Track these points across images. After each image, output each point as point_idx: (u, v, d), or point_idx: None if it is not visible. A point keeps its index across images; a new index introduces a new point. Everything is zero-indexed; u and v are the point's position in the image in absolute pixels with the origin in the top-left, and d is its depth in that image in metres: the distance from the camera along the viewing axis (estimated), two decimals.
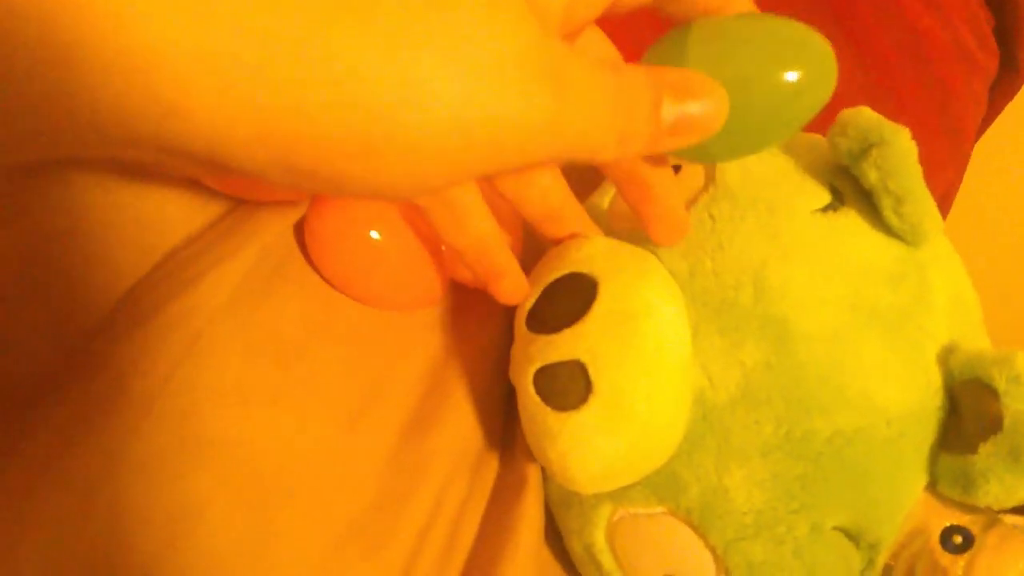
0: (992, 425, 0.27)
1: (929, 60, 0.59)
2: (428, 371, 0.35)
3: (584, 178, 0.36)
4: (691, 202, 0.31)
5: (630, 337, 0.27)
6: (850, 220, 0.30)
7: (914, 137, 0.62)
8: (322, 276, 0.33)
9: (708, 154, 0.27)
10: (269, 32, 0.16)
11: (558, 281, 0.29)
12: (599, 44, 0.28)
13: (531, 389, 0.28)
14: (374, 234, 0.32)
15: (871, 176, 0.29)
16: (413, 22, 0.17)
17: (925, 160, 0.67)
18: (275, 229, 0.32)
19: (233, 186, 0.32)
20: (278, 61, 0.16)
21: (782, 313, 0.28)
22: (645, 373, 0.27)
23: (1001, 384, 0.27)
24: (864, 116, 0.30)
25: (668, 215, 0.28)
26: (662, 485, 0.29)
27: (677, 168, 0.33)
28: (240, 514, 0.27)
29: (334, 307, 0.33)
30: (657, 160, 0.27)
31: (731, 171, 0.32)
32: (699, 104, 0.23)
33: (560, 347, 0.27)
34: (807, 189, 0.31)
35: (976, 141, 0.72)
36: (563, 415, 0.27)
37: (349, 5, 0.17)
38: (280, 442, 0.29)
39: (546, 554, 0.36)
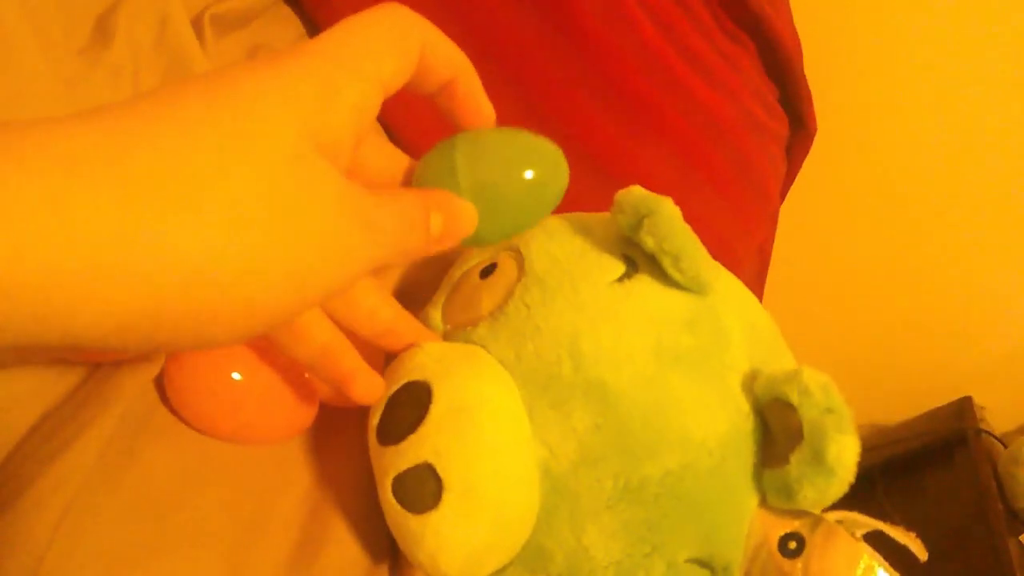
0: (797, 436, 0.31)
1: (726, 136, 0.67)
2: (307, 498, 0.36)
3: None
4: (508, 295, 0.35)
5: (469, 430, 0.29)
6: (644, 284, 0.34)
7: (727, 206, 0.70)
8: (188, 424, 0.34)
9: (481, 239, 0.32)
10: (121, 239, 0.18)
11: (397, 393, 0.31)
12: (383, 147, 0.33)
13: (391, 499, 0.30)
14: (235, 375, 0.33)
15: (648, 243, 0.33)
16: (237, 209, 0.20)
17: (738, 222, 0.73)
18: (135, 388, 0.33)
19: (87, 355, 0.33)
20: (132, 262, 0.18)
21: (599, 376, 0.31)
22: (490, 460, 0.29)
23: (795, 398, 0.31)
24: (634, 193, 0.34)
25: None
26: (531, 559, 0.31)
27: (492, 268, 0.37)
28: None
29: (205, 452, 0.34)
30: (396, 312, 0.32)
31: (538, 259, 0.35)
32: (455, 217, 0.29)
33: (407, 454, 0.29)
34: (603, 263, 0.35)
35: (783, 197, 0.81)
36: (422, 517, 0.29)
37: (182, 204, 0.19)
38: None
39: None
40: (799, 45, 0.76)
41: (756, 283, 0.77)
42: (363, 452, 0.38)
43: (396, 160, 0.32)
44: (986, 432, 1.09)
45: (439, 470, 0.29)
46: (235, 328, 0.21)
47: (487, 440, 0.29)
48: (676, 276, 0.33)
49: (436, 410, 0.29)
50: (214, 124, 0.21)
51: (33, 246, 0.16)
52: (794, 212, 0.84)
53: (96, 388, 0.32)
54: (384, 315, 0.33)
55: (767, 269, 0.78)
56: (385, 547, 0.38)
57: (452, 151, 0.31)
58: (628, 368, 0.32)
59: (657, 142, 0.63)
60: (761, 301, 0.79)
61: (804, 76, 0.76)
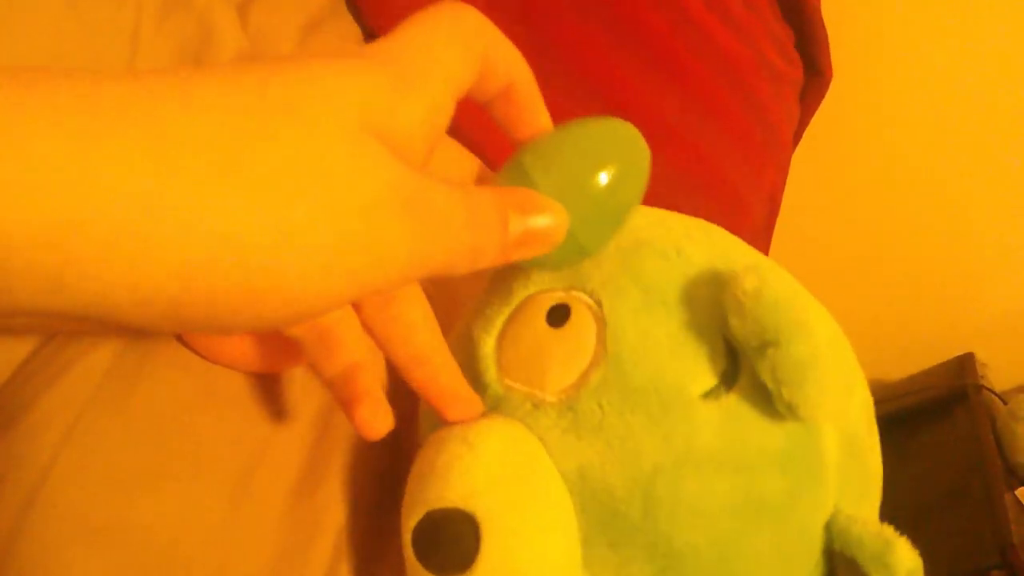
0: None
1: (742, 80, 0.64)
2: (313, 425, 0.36)
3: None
4: (582, 379, 0.29)
5: None
6: (740, 406, 0.29)
7: (737, 150, 0.63)
8: (193, 350, 0.32)
9: (583, 250, 0.29)
10: (148, 202, 0.16)
11: (440, 515, 0.27)
12: (452, 150, 0.31)
13: None
14: None
15: (767, 379, 0.27)
16: (281, 176, 0.18)
17: (749, 168, 0.72)
18: None
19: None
20: (158, 229, 0.17)
21: (671, 531, 0.28)
22: None
23: None
24: (764, 306, 0.27)
25: (455, 394, 0.30)
26: None
27: (563, 319, 0.30)
28: None
29: (209, 378, 0.33)
30: (437, 342, 0.30)
31: (624, 342, 0.29)
32: (541, 219, 0.26)
33: None
34: (700, 365, 0.29)
35: (796, 144, 0.79)
36: None
37: (220, 168, 0.17)
38: (169, 520, 0.30)
39: None
40: None
41: (765, 230, 0.75)
42: None
43: (467, 163, 0.31)
44: (986, 388, 1.08)
45: None
46: (258, 312, 0.19)
47: None
48: (785, 416, 0.28)
49: (483, 565, 0.26)
50: (266, 88, 0.19)
51: (52, 196, 0.15)
52: (804, 159, 0.81)
53: None
54: (422, 339, 0.29)
55: (776, 216, 0.76)
56: (388, 479, 0.38)
57: (521, 163, 0.28)
58: (705, 525, 0.28)
59: (670, 83, 0.60)
60: (768, 250, 0.75)
61: (822, 20, 0.72)
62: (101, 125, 0.16)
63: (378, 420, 0.29)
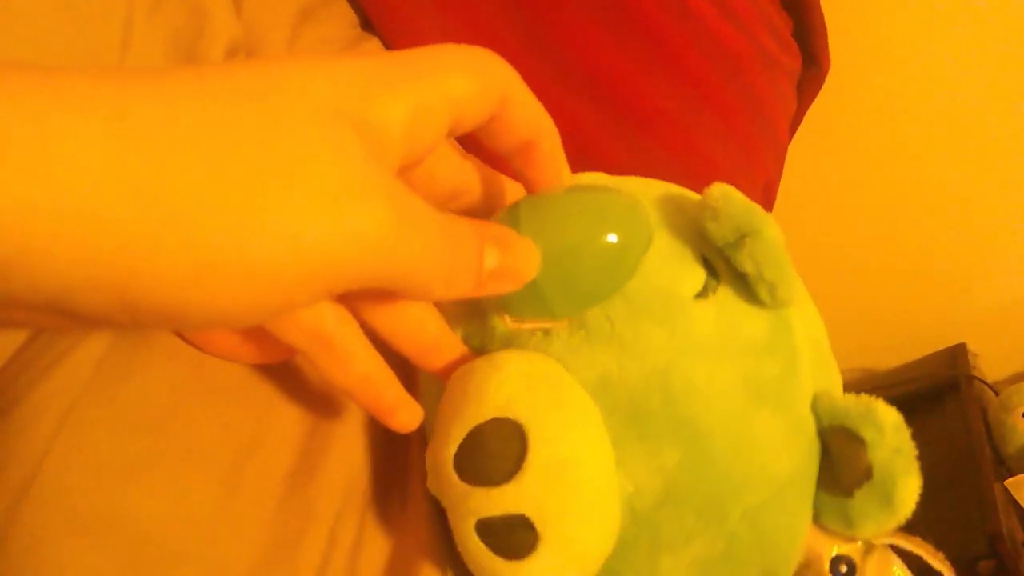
0: (863, 470, 0.32)
1: (738, 70, 0.64)
2: (307, 414, 0.36)
3: None
4: None
5: (570, 487, 0.28)
6: (727, 301, 0.32)
7: (732, 140, 0.66)
8: (186, 340, 0.32)
9: (551, 313, 0.31)
10: (103, 179, 0.16)
11: (484, 428, 0.29)
12: (451, 158, 0.31)
13: (476, 538, 0.29)
14: None
15: (747, 266, 0.31)
16: (244, 157, 0.18)
17: (745, 159, 0.71)
18: None
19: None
20: (107, 207, 0.16)
21: (690, 414, 0.30)
22: (587, 517, 0.28)
23: (868, 434, 0.31)
24: (734, 204, 0.31)
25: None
26: None
27: None
28: None
29: (202, 368, 0.33)
30: (444, 328, 0.31)
31: None
32: (515, 256, 0.27)
33: (502, 502, 0.28)
34: (687, 272, 0.33)
35: (792, 135, 0.78)
36: (514, 564, 0.28)
37: (180, 149, 0.17)
38: (163, 508, 0.30)
39: None
40: None
41: None
42: None
43: (467, 173, 0.31)
44: (978, 379, 1.09)
45: (537, 524, 0.27)
46: (220, 302, 0.19)
47: (587, 495, 0.28)
48: (766, 300, 0.32)
49: (536, 461, 0.28)
50: (237, 77, 0.19)
51: (9, 179, 0.15)
52: (799, 150, 0.81)
53: None
54: (431, 329, 0.31)
55: (772, 206, 0.77)
56: (385, 464, 0.38)
57: (515, 213, 0.29)
58: (718, 405, 0.31)
59: (666, 72, 0.59)
60: None
61: (820, 10, 0.72)
62: (62, 106, 0.16)
63: (414, 419, 0.31)
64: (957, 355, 1.14)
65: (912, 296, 1.22)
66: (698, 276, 0.33)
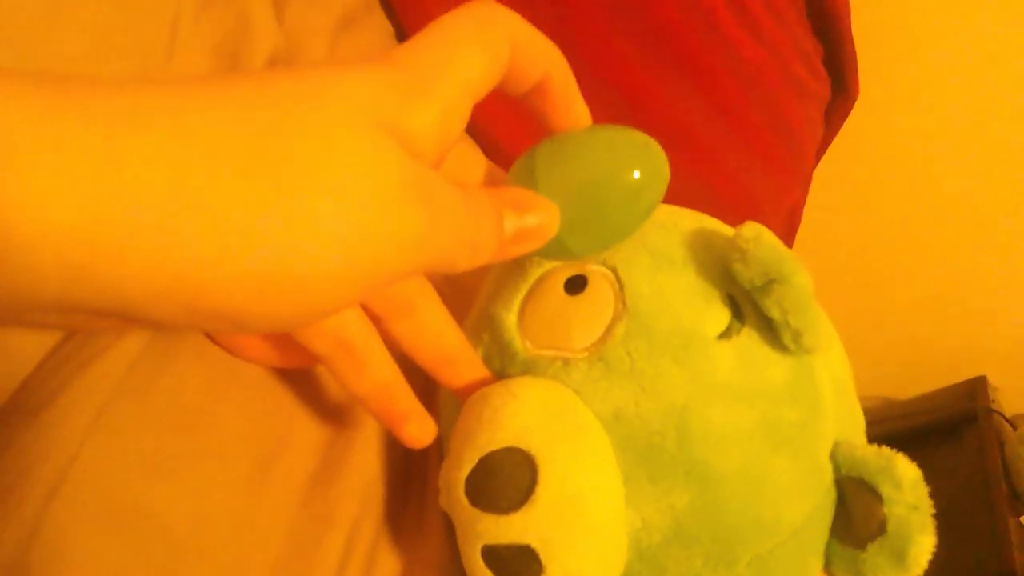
0: (877, 525, 0.31)
1: (768, 94, 0.64)
2: (330, 420, 0.37)
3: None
4: (607, 332, 0.32)
5: (578, 522, 0.28)
6: (751, 344, 0.32)
7: (760, 164, 0.65)
8: (217, 343, 0.33)
9: (569, 252, 0.31)
10: (168, 193, 0.17)
11: (497, 455, 0.29)
12: (465, 149, 0.32)
13: (481, 563, 0.29)
14: None
15: (773, 312, 0.31)
16: (298, 170, 0.19)
17: (771, 183, 0.71)
18: None
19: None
20: (179, 222, 0.17)
21: (704, 457, 0.30)
22: (594, 551, 0.28)
23: (885, 490, 0.31)
24: (764, 247, 0.31)
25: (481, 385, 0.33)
26: None
27: (581, 287, 0.33)
28: None
29: (232, 370, 0.34)
30: (462, 340, 0.32)
31: (641, 295, 0.32)
32: (533, 217, 0.28)
33: (509, 531, 0.28)
34: (711, 312, 0.32)
35: (818, 161, 0.78)
36: None
37: (239, 164, 0.18)
38: (187, 507, 0.31)
39: None
40: (848, 5, 0.72)
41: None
42: None
43: (478, 161, 0.31)
44: (997, 413, 1.08)
45: (542, 557, 0.28)
46: (279, 304, 0.20)
47: (595, 531, 0.28)
48: (791, 347, 0.32)
49: (545, 494, 0.28)
50: (286, 87, 0.20)
51: (81, 193, 0.16)
52: (824, 176, 0.81)
53: None
54: (449, 341, 0.32)
55: (795, 232, 0.76)
56: (404, 476, 0.39)
57: (532, 157, 0.30)
58: (733, 450, 0.30)
59: (697, 93, 0.60)
60: None
61: (851, 37, 0.72)
62: (127, 124, 0.17)
63: (426, 433, 0.32)
64: (977, 388, 1.13)
65: (934, 327, 1.21)
66: (723, 316, 0.33)
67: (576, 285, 0.34)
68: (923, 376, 1.24)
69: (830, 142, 0.79)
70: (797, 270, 0.31)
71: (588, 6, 0.57)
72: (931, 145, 1.03)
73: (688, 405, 0.30)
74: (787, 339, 0.31)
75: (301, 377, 0.36)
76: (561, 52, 0.29)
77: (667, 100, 0.60)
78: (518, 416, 0.30)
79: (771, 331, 0.32)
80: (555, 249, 0.30)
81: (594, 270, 0.34)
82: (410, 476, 0.40)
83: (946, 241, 1.12)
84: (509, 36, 0.26)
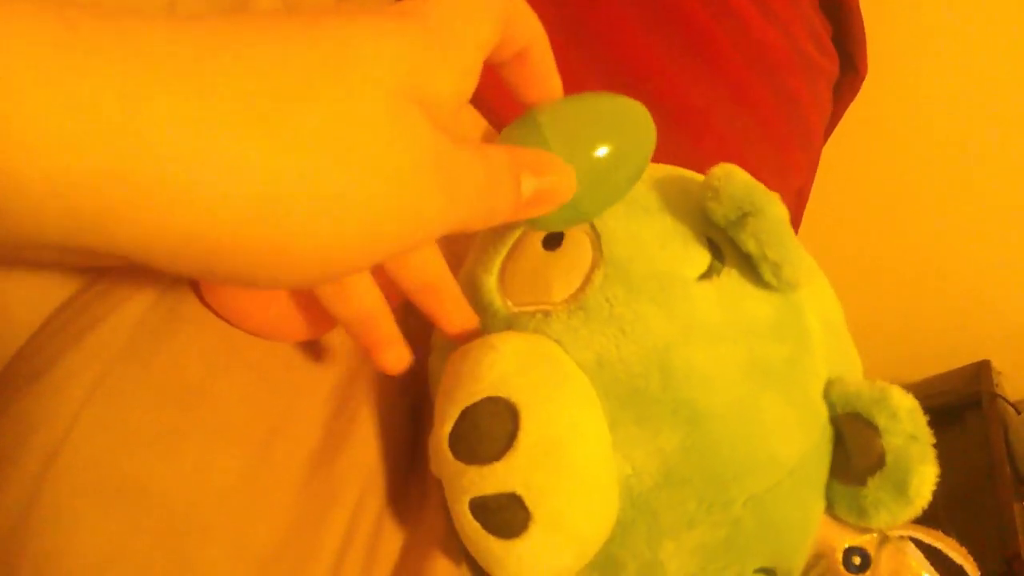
0: (876, 458, 0.30)
1: (776, 72, 0.64)
2: (332, 396, 0.36)
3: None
4: (585, 281, 0.32)
5: (561, 465, 0.27)
6: (732, 282, 0.32)
7: (767, 142, 0.64)
8: (218, 314, 0.33)
9: (581, 213, 0.31)
10: (191, 154, 0.17)
11: (477, 406, 0.29)
12: (467, 110, 0.31)
13: (469, 516, 0.29)
14: None
15: (750, 245, 0.30)
16: (323, 138, 0.19)
17: (780, 163, 0.70)
18: (167, 274, 0.32)
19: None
20: (198, 181, 0.17)
21: (690, 396, 0.30)
22: (580, 495, 0.28)
23: (881, 421, 0.30)
24: (736, 183, 0.31)
25: (457, 312, 0.33)
26: (602, 565, 0.31)
27: (558, 242, 0.33)
28: (159, 554, 0.28)
29: (233, 343, 0.33)
30: (445, 270, 0.31)
31: (619, 242, 0.32)
32: (551, 179, 0.27)
33: (493, 479, 0.28)
34: (690, 253, 0.32)
35: (825, 140, 0.78)
36: (507, 543, 0.28)
37: (263, 126, 0.18)
38: (190, 480, 0.30)
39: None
40: None
41: (791, 225, 0.75)
42: None
43: (477, 120, 0.32)
44: (1001, 397, 1.08)
45: (528, 503, 0.27)
46: (288, 269, 0.20)
47: (578, 473, 0.28)
48: (772, 281, 0.31)
49: (526, 439, 0.27)
50: (312, 46, 0.20)
51: (98, 144, 0.16)
52: (831, 157, 0.80)
53: (129, 271, 0.32)
54: (432, 268, 0.31)
55: (803, 211, 0.76)
56: (406, 452, 0.39)
57: (536, 122, 0.29)
58: (720, 388, 0.30)
59: (705, 71, 0.60)
60: None
61: (860, 15, 0.72)
62: (149, 77, 0.17)
63: (401, 361, 0.32)
64: (981, 372, 1.13)
65: (938, 311, 1.21)
66: (702, 258, 0.32)
67: (554, 241, 0.34)
68: (928, 360, 1.24)
69: (838, 120, 0.79)
70: (771, 201, 0.30)
71: None
72: (938, 128, 1.03)
73: (669, 345, 0.30)
74: (767, 273, 0.31)
75: (301, 353, 0.36)
76: (558, 42, 0.29)
77: (674, 75, 0.59)
78: (496, 366, 0.29)
79: (752, 270, 0.32)
80: (567, 211, 0.29)
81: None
82: (413, 453, 0.39)
83: (950, 225, 1.11)
84: (507, 3, 0.26)
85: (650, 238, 0.32)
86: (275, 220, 0.18)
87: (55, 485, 0.27)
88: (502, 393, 0.28)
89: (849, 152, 0.93)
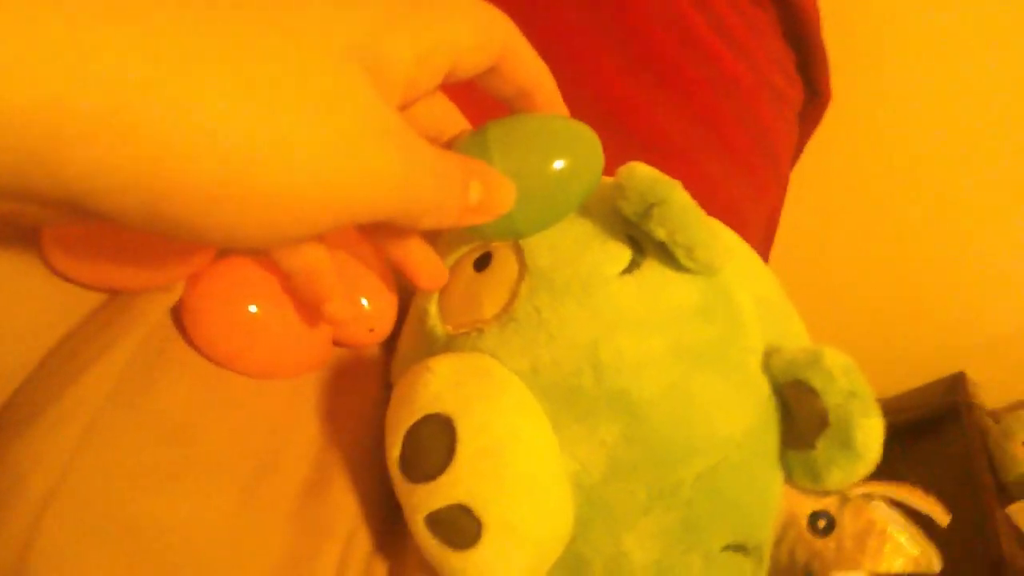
0: (820, 420, 0.31)
1: (745, 102, 0.67)
2: (320, 433, 0.37)
3: None
4: (512, 294, 0.33)
5: (501, 468, 0.28)
6: (653, 272, 0.32)
7: (739, 169, 0.66)
8: (204, 355, 0.34)
9: (517, 230, 0.33)
10: (139, 87, 0.17)
11: (417, 426, 0.30)
12: (440, 105, 0.33)
13: (427, 534, 0.29)
14: (252, 308, 0.33)
15: (660, 234, 0.31)
16: (269, 86, 0.19)
17: (750, 188, 0.73)
18: (154, 315, 0.33)
19: (105, 279, 0.33)
20: (145, 116, 0.17)
21: (622, 386, 0.30)
22: (526, 495, 0.29)
23: (817, 383, 0.31)
24: (639, 177, 0.32)
25: (427, 265, 0.34)
26: (568, 566, 0.32)
27: (487, 263, 0.35)
28: None
29: (221, 383, 0.34)
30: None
31: (540, 252, 0.33)
32: (496, 191, 0.29)
33: (439, 494, 0.29)
34: (609, 251, 0.33)
35: (793, 163, 0.81)
36: (463, 554, 0.29)
37: (212, 68, 0.18)
38: (182, 520, 0.30)
39: None
40: (818, 11, 0.74)
41: (763, 250, 0.77)
42: (376, 387, 0.39)
43: (453, 121, 0.33)
44: (978, 407, 1.12)
45: (476, 511, 0.28)
46: (234, 220, 0.20)
47: (520, 475, 0.29)
48: (689, 265, 0.32)
49: (464, 449, 0.28)
50: (261, 7, 0.20)
51: (44, 74, 0.16)
52: (801, 178, 0.83)
53: (116, 314, 0.32)
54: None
55: (774, 234, 0.78)
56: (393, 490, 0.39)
57: (485, 138, 0.31)
58: (650, 374, 0.31)
59: (674, 99, 0.62)
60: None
61: (822, 43, 0.75)
62: (99, 11, 0.17)
63: (343, 310, 0.33)
64: (957, 383, 1.15)
65: (913, 325, 1.22)
66: (623, 254, 0.33)
67: (483, 261, 0.35)
68: (904, 374, 1.26)
69: (804, 144, 0.82)
70: (673, 188, 0.31)
71: (571, 22, 0.60)
72: (904, 146, 1.06)
73: (597, 341, 0.31)
74: (682, 258, 0.32)
75: (286, 390, 0.36)
76: (548, 69, 0.31)
77: (648, 112, 0.62)
78: (430, 385, 0.30)
79: (672, 258, 0.33)
80: (503, 226, 0.31)
81: (498, 245, 0.35)
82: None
83: (920, 238, 1.14)
84: (503, 35, 0.28)
85: (570, 244, 0.33)
86: (220, 162, 0.18)
87: (53, 527, 0.28)
88: (438, 409, 0.29)
89: (817, 173, 0.96)
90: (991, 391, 1.21)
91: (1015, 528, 0.97)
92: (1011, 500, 1.01)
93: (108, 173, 0.17)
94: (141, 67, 0.17)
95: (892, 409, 1.22)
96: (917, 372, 1.24)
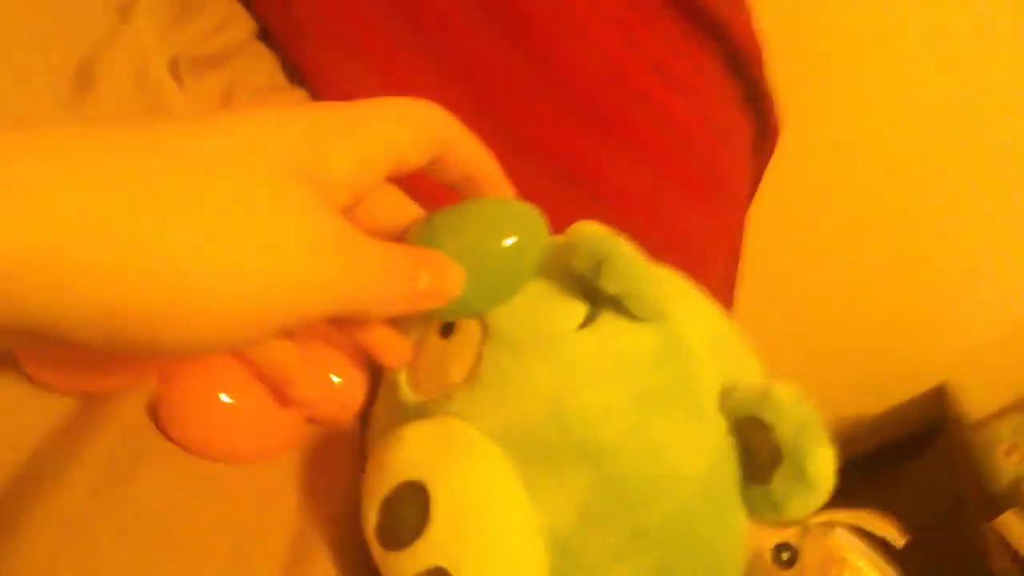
0: (774, 454, 0.32)
1: (696, 143, 0.68)
2: (299, 510, 0.37)
3: None
4: (477, 357, 0.34)
5: (475, 529, 0.29)
6: (609, 325, 0.34)
7: (697, 212, 0.68)
8: (181, 447, 0.34)
9: (469, 308, 0.34)
10: (93, 228, 0.19)
11: (393, 494, 0.31)
12: (392, 196, 0.34)
13: None
14: (224, 397, 0.34)
15: (609, 288, 0.33)
16: (220, 215, 0.22)
17: (710, 228, 0.74)
18: (129, 414, 0.34)
19: (80, 384, 0.33)
20: (104, 254, 0.19)
21: (587, 435, 0.32)
22: (501, 555, 0.30)
23: (768, 416, 0.32)
24: (585, 235, 0.34)
25: (389, 345, 0.35)
26: None
27: (452, 330, 0.36)
28: None
29: (199, 472, 0.35)
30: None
31: (500, 315, 0.35)
32: (443, 277, 0.31)
33: (416, 560, 0.30)
34: (567, 308, 0.35)
35: (754, 192, 0.82)
36: None
37: (162, 205, 0.21)
38: None
39: None
40: (759, 45, 0.75)
41: (727, 285, 0.78)
42: (351, 465, 0.40)
43: (405, 210, 0.34)
44: (961, 421, 1.12)
45: (452, 573, 0.29)
46: (192, 334, 0.22)
47: (494, 534, 0.30)
48: (640, 315, 0.34)
49: (438, 513, 0.29)
50: (202, 136, 0.23)
51: (10, 227, 0.18)
52: (764, 207, 0.84)
53: (93, 415, 0.33)
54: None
55: (737, 268, 0.79)
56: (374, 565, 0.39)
57: (432, 226, 0.33)
58: (612, 421, 0.32)
59: (628, 153, 0.64)
60: (732, 302, 0.78)
61: (765, 76, 0.75)
62: (58, 165, 0.19)
63: (312, 391, 0.34)
64: (940, 396, 1.16)
65: (890, 341, 1.24)
66: (579, 310, 0.35)
67: (449, 329, 0.36)
68: (887, 390, 1.27)
69: (761, 175, 0.82)
70: (619, 243, 0.33)
71: (515, 86, 0.61)
72: (869, 160, 1.08)
73: (560, 394, 0.32)
74: (633, 308, 0.33)
75: (265, 473, 0.37)
76: (489, 148, 0.33)
77: (600, 164, 0.63)
78: (401, 453, 0.31)
79: (623, 308, 0.34)
80: (459, 306, 0.32)
81: None
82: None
83: (891, 255, 1.16)
84: (441, 130, 0.30)
85: (528, 303, 0.35)
86: (171, 288, 0.21)
87: None
88: (411, 476, 0.30)
89: (786, 193, 0.96)
90: (973, 400, 1.21)
91: (1004, 541, 0.96)
92: (1000, 511, 1.00)
93: (72, 307, 0.19)
94: (94, 211, 0.19)
95: (878, 429, 1.20)
96: (900, 386, 1.25)
